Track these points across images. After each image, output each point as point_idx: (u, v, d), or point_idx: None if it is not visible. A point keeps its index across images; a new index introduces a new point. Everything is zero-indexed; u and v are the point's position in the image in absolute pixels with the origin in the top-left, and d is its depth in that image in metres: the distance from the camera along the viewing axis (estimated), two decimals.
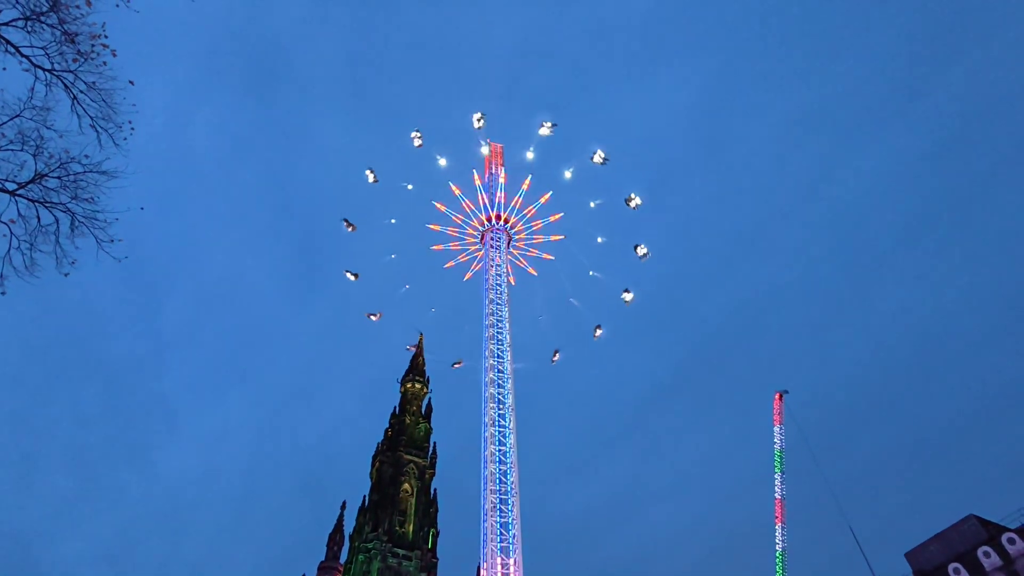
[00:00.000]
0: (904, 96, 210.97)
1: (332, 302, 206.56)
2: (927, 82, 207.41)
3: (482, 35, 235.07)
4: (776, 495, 72.69)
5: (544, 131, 54.65)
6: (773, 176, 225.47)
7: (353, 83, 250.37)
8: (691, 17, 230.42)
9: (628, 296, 56.12)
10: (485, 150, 57.19)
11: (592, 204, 56.73)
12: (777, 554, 70.80)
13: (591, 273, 57.39)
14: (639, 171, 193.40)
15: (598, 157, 54.55)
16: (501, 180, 56.61)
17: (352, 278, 58.74)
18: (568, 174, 55.96)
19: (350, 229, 57.93)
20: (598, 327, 56.93)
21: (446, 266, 58.17)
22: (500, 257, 55.20)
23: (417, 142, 55.32)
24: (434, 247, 57.82)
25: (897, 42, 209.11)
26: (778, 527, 71.45)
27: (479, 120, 55.21)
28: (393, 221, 57.74)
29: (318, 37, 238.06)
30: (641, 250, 55.34)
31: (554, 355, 58.40)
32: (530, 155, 55.66)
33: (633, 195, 54.62)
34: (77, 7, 12.79)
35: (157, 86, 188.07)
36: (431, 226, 57.03)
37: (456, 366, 62.21)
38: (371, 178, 56.72)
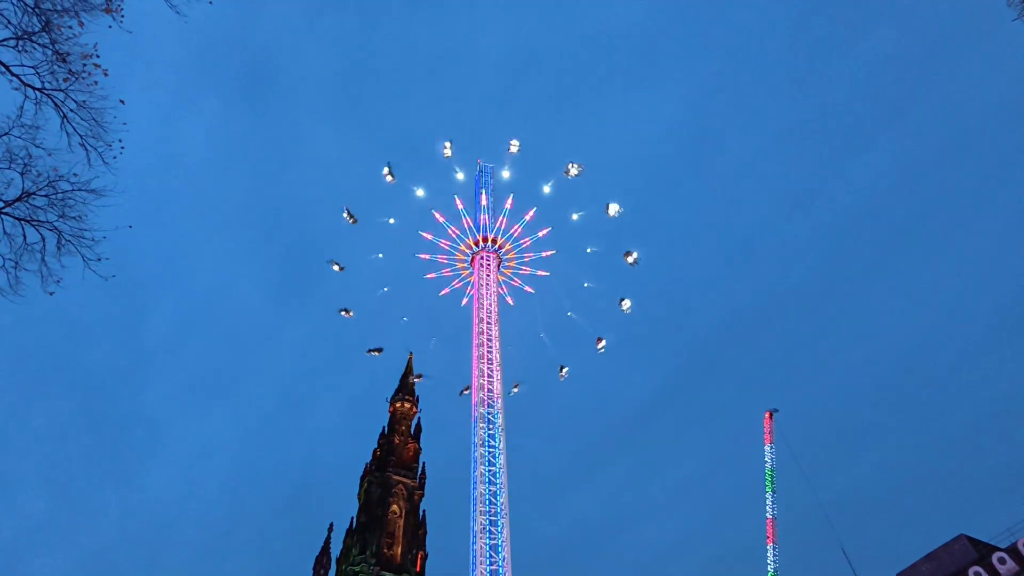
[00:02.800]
0: (894, 106, 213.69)
1: (319, 316, 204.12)
2: (917, 93, 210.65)
3: (473, 47, 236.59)
4: (768, 515, 72.56)
5: (513, 149, 54.54)
6: (763, 187, 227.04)
7: (344, 93, 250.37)
8: (682, 28, 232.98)
9: (601, 344, 56.46)
10: (506, 174, 56.70)
11: (589, 250, 56.92)
12: (769, 574, 70.43)
13: (569, 314, 57.48)
14: (629, 183, 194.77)
15: (612, 210, 55.07)
16: (484, 202, 56.78)
17: (337, 269, 57.77)
18: (575, 216, 56.31)
19: (352, 221, 56.99)
20: (563, 367, 57.11)
21: (427, 276, 57.80)
22: (490, 275, 55.23)
23: (447, 152, 54.99)
24: (422, 257, 57.56)
25: (886, 53, 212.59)
26: (770, 547, 71.22)
27: (515, 146, 54.89)
28: (392, 221, 57.14)
29: (309, 47, 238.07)
30: (625, 304, 55.67)
31: (514, 387, 57.89)
32: (506, 174, 55.52)
33: (611, 204, 55.15)
34: (69, 27, 12.85)
35: (145, 94, 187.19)
36: (424, 234, 56.75)
37: (417, 379, 62.22)
38: (389, 178, 55.82)
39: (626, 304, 55.68)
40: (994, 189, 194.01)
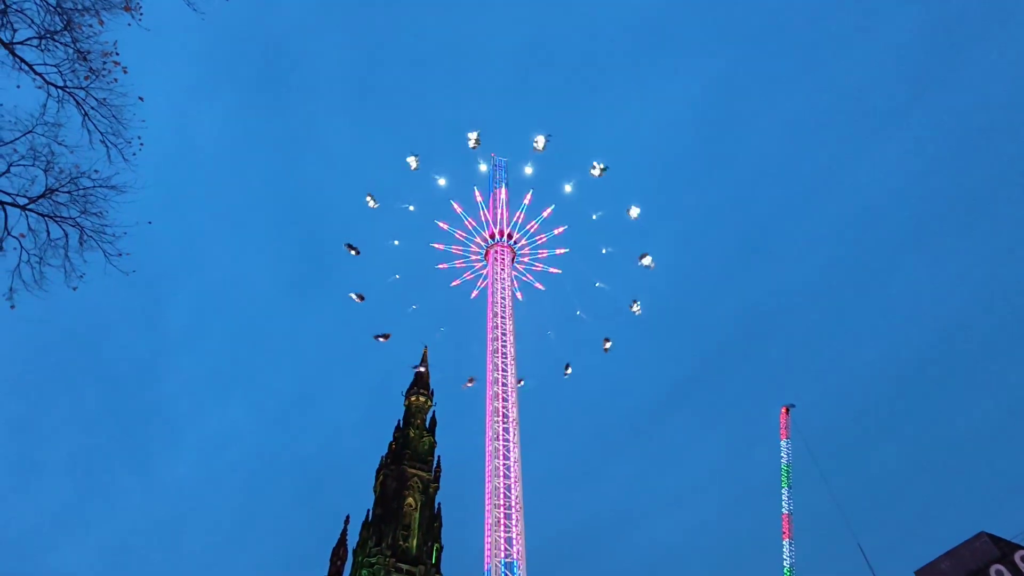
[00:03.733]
0: (913, 96, 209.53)
1: (336, 307, 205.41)
2: (936, 82, 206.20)
3: (487, 37, 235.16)
4: (784, 510, 72.13)
5: (538, 146, 54.80)
6: (781, 179, 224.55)
7: (359, 85, 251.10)
8: (695, 18, 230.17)
9: (636, 307, 56.18)
10: (484, 167, 57.18)
11: (594, 216, 56.77)
12: (785, 570, 70.05)
13: (597, 284, 57.33)
14: (644, 175, 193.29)
15: (596, 170, 54.66)
16: (503, 196, 56.76)
17: (357, 300, 58.54)
18: (568, 188, 56.06)
19: (354, 253, 57.78)
20: (607, 340, 56.94)
21: (453, 284, 58.12)
22: (504, 273, 55.25)
23: (413, 165, 55.58)
24: (440, 266, 57.73)
25: (906, 41, 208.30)
26: (786, 543, 70.83)
27: (474, 141, 55.05)
28: (396, 243, 57.71)
29: (324, 39, 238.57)
30: (646, 260, 55.27)
31: (566, 369, 58.27)
32: (528, 170, 55.70)
33: (632, 207, 54.92)
34: (90, 26, 13.05)
35: (160, 86, 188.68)
36: (440, 224, 57.00)
37: (468, 385, 61.31)
38: (371, 203, 56.74)
39: (647, 260, 55.17)
40: (1017, 179, 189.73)
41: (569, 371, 57.21)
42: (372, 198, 56.85)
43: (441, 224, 56.64)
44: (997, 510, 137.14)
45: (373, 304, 60.12)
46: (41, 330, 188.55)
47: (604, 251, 56.56)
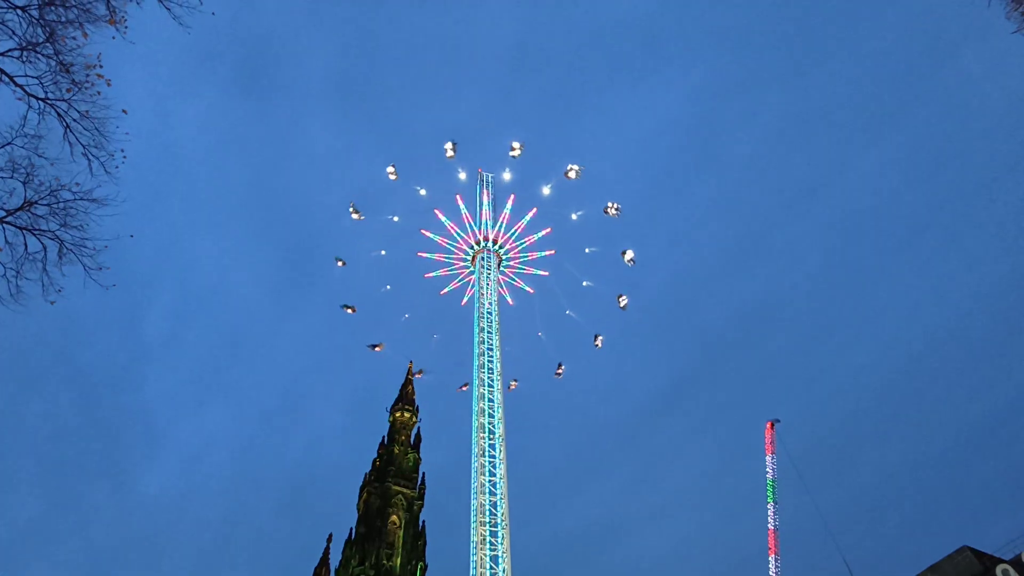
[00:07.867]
0: (902, 97, 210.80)
1: (319, 312, 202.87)
2: (921, 88, 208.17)
3: (475, 38, 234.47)
4: (769, 526, 72.15)
5: (571, 175, 54.78)
6: (767, 184, 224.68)
7: (343, 86, 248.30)
8: (686, 20, 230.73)
9: (623, 301, 56.40)
10: (463, 175, 57.36)
11: (587, 250, 57.26)
12: None
13: (568, 313, 58.02)
14: (631, 180, 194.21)
15: (612, 209, 55.10)
16: (487, 204, 57.16)
17: (350, 312, 58.43)
18: (575, 216, 56.52)
19: (357, 217, 57.64)
20: (560, 364, 57.50)
21: (441, 293, 58.20)
22: (490, 282, 55.24)
23: (393, 176, 55.72)
24: (426, 276, 57.80)
25: (895, 42, 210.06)
26: (771, 558, 70.75)
27: (451, 151, 55.33)
28: (383, 252, 57.61)
29: (309, 36, 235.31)
30: (628, 255, 55.77)
31: (511, 383, 58.47)
32: (507, 176, 56.08)
33: (628, 251, 55.38)
34: (73, 38, 12.96)
35: (139, 87, 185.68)
36: (425, 232, 57.10)
37: (418, 375, 62.49)
38: (354, 215, 56.69)
39: (628, 255, 55.53)
40: (1002, 186, 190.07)
41: (562, 371, 57.35)
42: (355, 209, 56.80)
43: (425, 232, 56.77)
44: (980, 524, 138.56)
45: (360, 311, 59.86)
46: (11, 334, 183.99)
47: (588, 250, 57.17)
